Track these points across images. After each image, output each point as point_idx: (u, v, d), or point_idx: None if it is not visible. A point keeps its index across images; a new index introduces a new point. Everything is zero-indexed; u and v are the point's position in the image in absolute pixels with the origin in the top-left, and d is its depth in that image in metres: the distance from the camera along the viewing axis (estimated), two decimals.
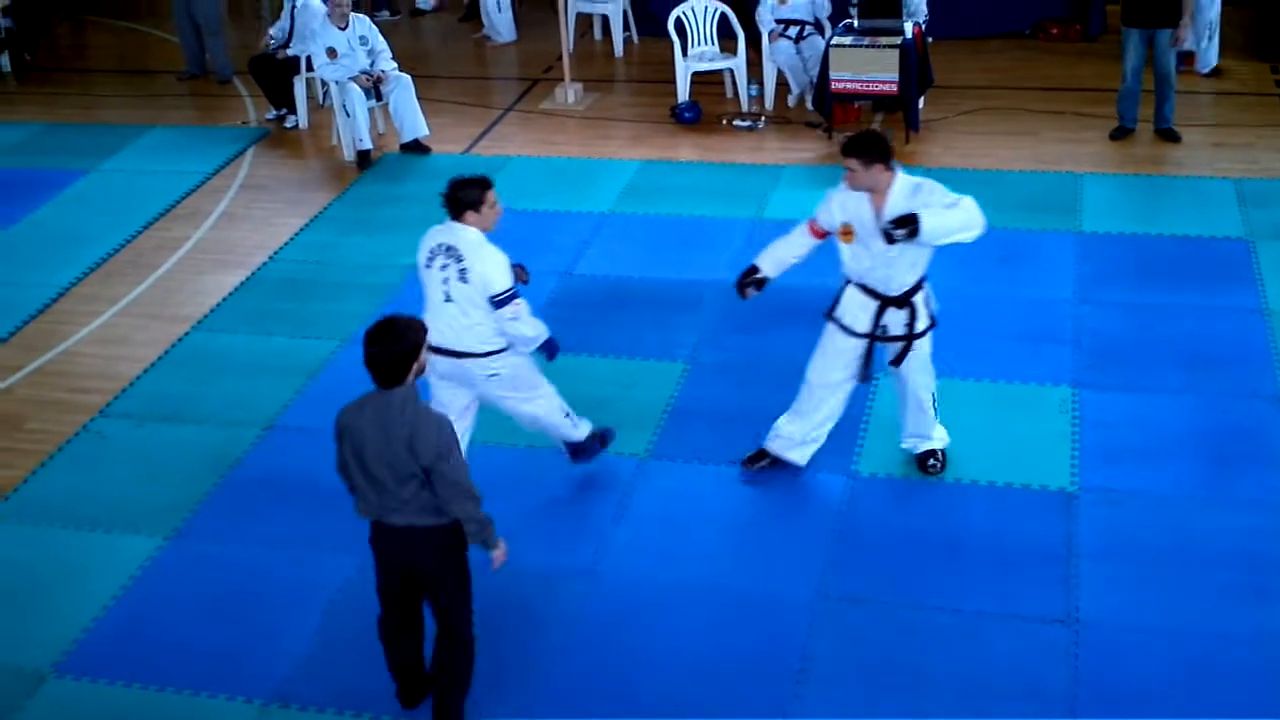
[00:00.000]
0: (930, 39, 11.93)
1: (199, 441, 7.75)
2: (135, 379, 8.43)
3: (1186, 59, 11.99)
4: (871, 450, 7.33)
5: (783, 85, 12.32)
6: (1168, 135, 11.10)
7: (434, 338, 6.09)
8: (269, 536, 6.93)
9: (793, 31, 11.94)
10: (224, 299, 9.36)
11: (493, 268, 6.39)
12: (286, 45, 12.31)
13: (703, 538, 6.76)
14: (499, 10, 14.62)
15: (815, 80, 11.61)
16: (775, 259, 6.95)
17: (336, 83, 11.42)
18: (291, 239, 10.22)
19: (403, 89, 11.49)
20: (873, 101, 11.60)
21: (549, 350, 6.76)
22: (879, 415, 7.57)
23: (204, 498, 7.24)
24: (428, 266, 6.56)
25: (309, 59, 11.86)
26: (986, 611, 6.15)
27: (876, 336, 6.76)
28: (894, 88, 11.06)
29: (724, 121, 12.04)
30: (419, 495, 5.17)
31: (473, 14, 15.22)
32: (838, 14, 11.97)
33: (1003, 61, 13.13)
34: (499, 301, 6.41)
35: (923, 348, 6.85)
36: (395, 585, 5.49)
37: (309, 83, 12.34)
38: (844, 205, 6.61)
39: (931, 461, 7.15)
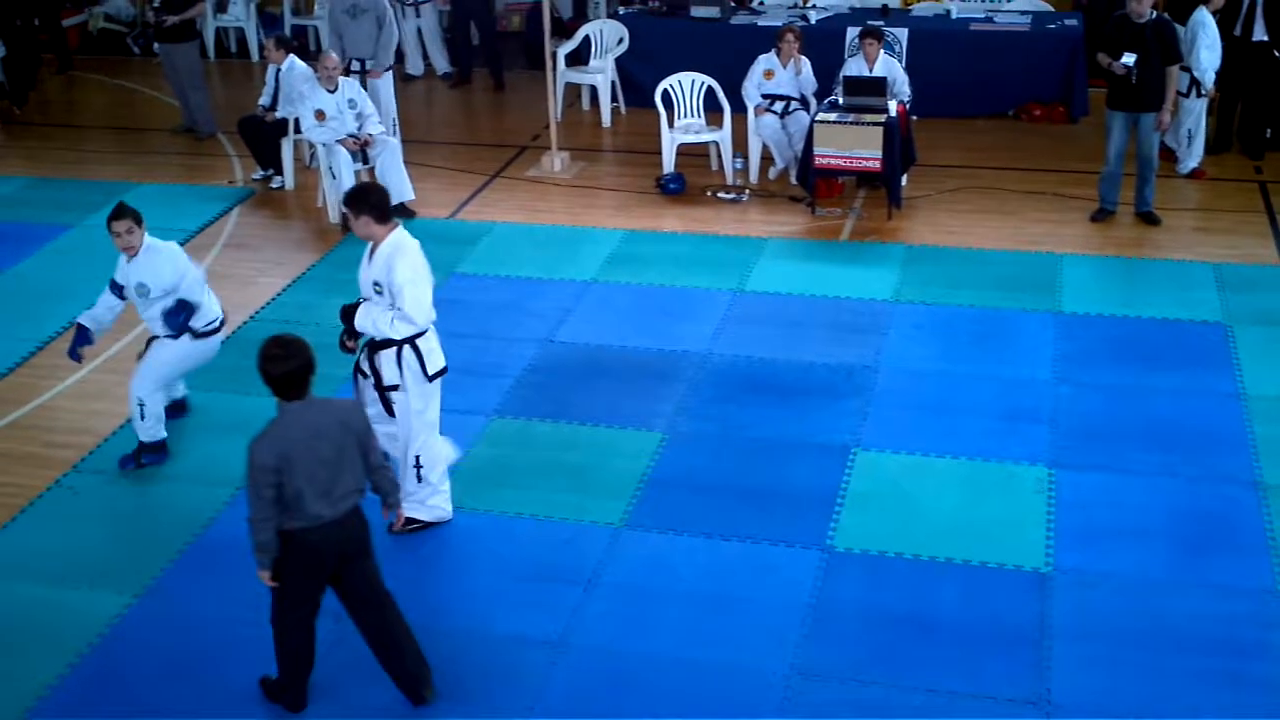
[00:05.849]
0: (914, 117, 12.06)
1: (172, 500, 7.71)
2: (110, 435, 8.40)
3: (1168, 155, 12.05)
4: (847, 526, 7.32)
5: (767, 159, 12.40)
6: (1148, 218, 11.19)
7: None
8: (241, 596, 6.83)
9: (779, 106, 12.07)
10: None
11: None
12: (273, 108, 12.38)
13: (675, 610, 6.72)
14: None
15: (800, 155, 11.71)
16: None
17: (324, 145, 11.47)
18: (273, 299, 10.22)
19: (390, 153, 11.54)
20: (856, 177, 11.71)
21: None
22: (854, 490, 7.58)
23: (176, 556, 7.19)
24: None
25: (297, 121, 11.92)
26: (958, 691, 6.12)
27: (365, 373, 7.23)
28: (877, 164, 11.16)
29: (708, 193, 12.11)
30: (356, 476, 5.72)
31: (464, 80, 15.41)
32: (823, 91, 12.09)
33: (986, 141, 13.25)
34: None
35: (407, 404, 7.10)
36: (321, 586, 5.89)
37: (296, 144, 12.40)
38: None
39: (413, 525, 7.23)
